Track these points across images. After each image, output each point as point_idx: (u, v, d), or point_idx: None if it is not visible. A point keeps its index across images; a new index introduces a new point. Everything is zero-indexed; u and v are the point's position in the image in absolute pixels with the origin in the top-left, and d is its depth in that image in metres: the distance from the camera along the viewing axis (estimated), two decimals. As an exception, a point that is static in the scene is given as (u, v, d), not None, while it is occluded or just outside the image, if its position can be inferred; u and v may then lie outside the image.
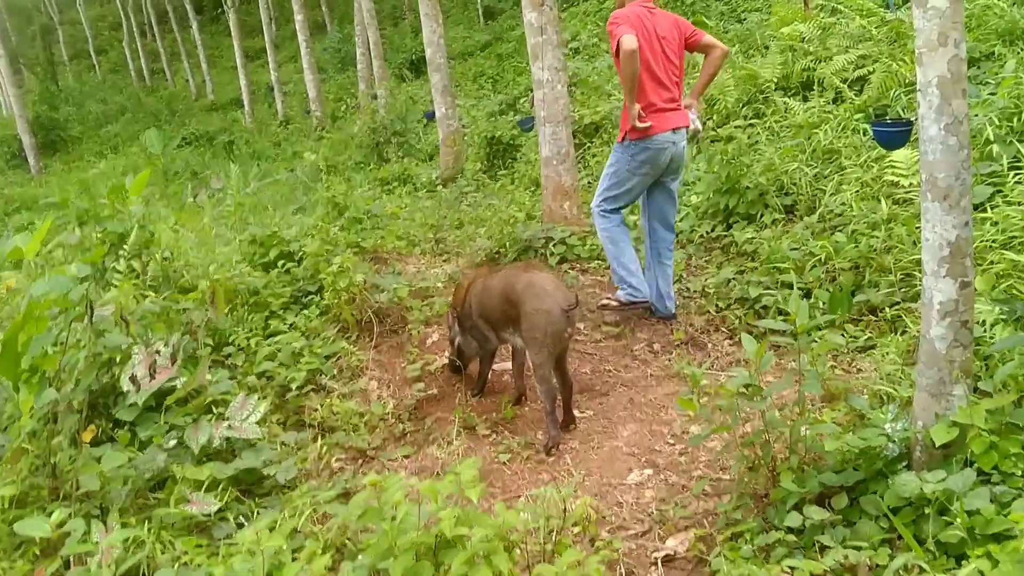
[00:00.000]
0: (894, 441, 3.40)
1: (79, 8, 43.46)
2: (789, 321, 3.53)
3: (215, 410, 4.45)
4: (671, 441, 4.31)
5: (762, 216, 6.35)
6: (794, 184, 6.45)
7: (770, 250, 5.66)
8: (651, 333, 5.54)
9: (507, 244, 6.91)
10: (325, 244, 6.06)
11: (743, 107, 8.34)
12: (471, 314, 4.71)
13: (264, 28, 24.50)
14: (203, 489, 3.81)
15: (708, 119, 8.47)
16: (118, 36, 41.61)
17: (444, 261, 7.08)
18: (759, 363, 3.55)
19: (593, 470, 4.10)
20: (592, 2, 17.98)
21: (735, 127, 7.54)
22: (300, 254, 5.93)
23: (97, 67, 42.52)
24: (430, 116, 12.23)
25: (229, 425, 4.21)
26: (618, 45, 4.85)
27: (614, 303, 5.60)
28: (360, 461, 4.36)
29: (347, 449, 4.41)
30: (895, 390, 3.95)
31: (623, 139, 5.28)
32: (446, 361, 5.12)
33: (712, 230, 6.54)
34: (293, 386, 4.69)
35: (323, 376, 4.95)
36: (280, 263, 6.20)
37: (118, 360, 4.70)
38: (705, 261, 6.28)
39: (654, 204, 5.58)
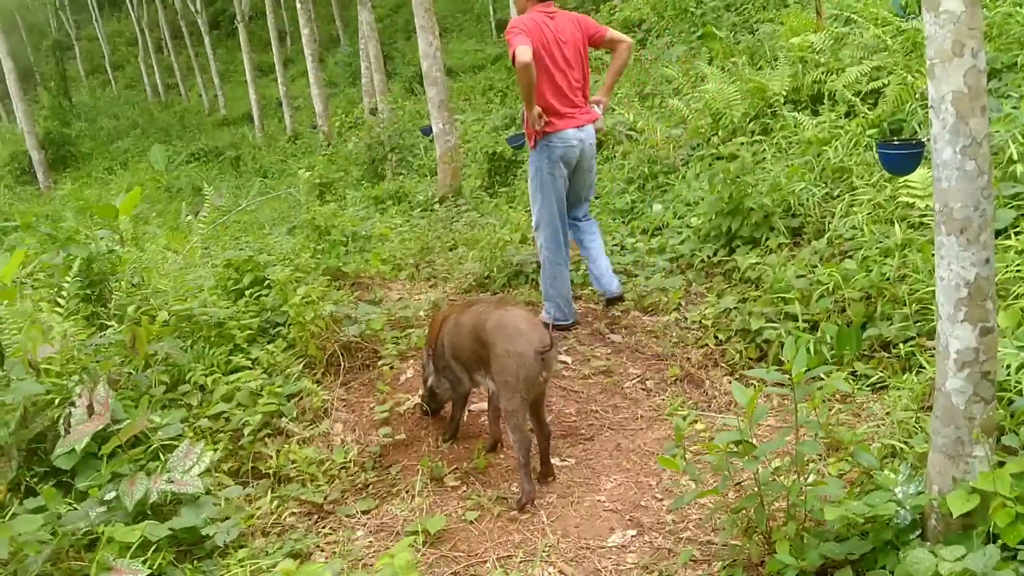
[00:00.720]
0: (905, 508, 2.97)
1: (96, 24, 43.52)
2: (786, 369, 3.09)
3: (163, 456, 4.09)
4: (659, 496, 3.87)
5: (767, 240, 5.91)
6: (801, 205, 6.01)
7: (774, 277, 5.22)
8: (644, 368, 5.11)
9: (496, 269, 6.51)
10: (297, 271, 5.68)
11: (750, 122, 7.90)
12: (443, 353, 4.31)
13: (272, 42, 24.24)
14: (133, 552, 3.43)
15: (713, 134, 8.04)
16: (134, 52, 41.61)
17: (431, 287, 6.68)
18: (751, 416, 3.12)
19: (570, 529, 3.68)
20: (601, 14, 17.59)
21: (740, 143, 7.09)
22: (270, 281, 5.53)
23: (113, 82, 42.52)
24: (427, 132, 11.85)
25: (169, 478, 3.83)
26: (513, 55, 4.78)
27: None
28: (315, 517, 3.95)
29: (302, 503, 4.00)
30: (907, 445, 3.51)
31: (534, 145, 5.29)
32: (418, 401, 4.71)
33: (714, 254, 6.11)
34: (246, 431, 4.28)
35: (283, 418, 4.55)
36: (252, 290, 5.83)
37: (55, 403, 4.34)
38: (705, 288, 5.85)
39: (570, 210, 5.60)
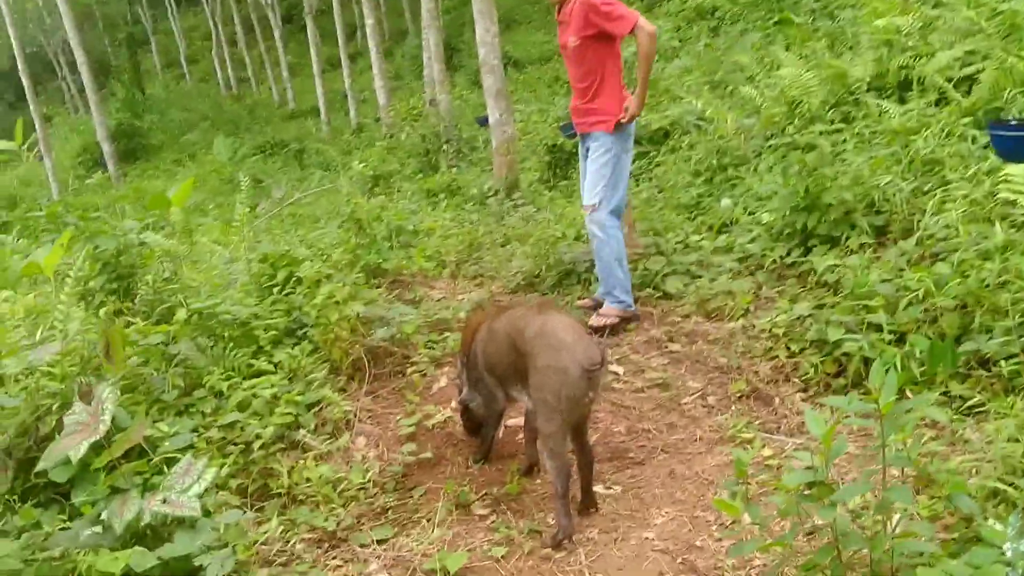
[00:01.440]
0: (1018, 571, 2.42)
1: (172, 19, 44.13)
2: (869, 399, 2.55)
3: (168, 470, 3.70)
4: (717, 535, 3.35)
5: (847, 239, 5.30)
6: (887, 201, 5.38)
7: (855, 282, 4.62)
8: (705, 381, 4.57)
9: (546, 267, 6.02)
10: (328, 267, 5.27)
11: (829, 110, 7.26)
12: (476, 363, 3.84)
13: (338, 35, 24.08)
14: (116, 585, 3.04)
15: (788, 124, 7.42)
16: (208, 46, 42.09)
17: (476, 285, 6.21)
18: (829, 454, 2.58)
19: (612, 573, 3.18)
20: (674, 1, 16.93)
21: (818, 133, 6.47)
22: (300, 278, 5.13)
23: (188, 76, 43.10)
24: (482, 122, 11.39)
25: (165, 498, 3.43)
26: (636, 25, 4.92)
27: (611, 320, 5.22)
28: (326, 545, 3.52)
29: (312, 528, 3.56)
30: (1013, 486, 2.93)
31: (615, 125, 5.18)
32: (448, 414, 4.26)
33: (787, 254, 5.52)
34: (256, 445, 3.86)
35: (301, 430, 4.13)
36: (285, 287, 5.44)
37: (54, 408, 4.00)
38: (777, 292, 5.26)
39: None
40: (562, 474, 3.37)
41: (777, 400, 4.33)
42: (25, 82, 23.94)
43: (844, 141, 6.52)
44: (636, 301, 5.51)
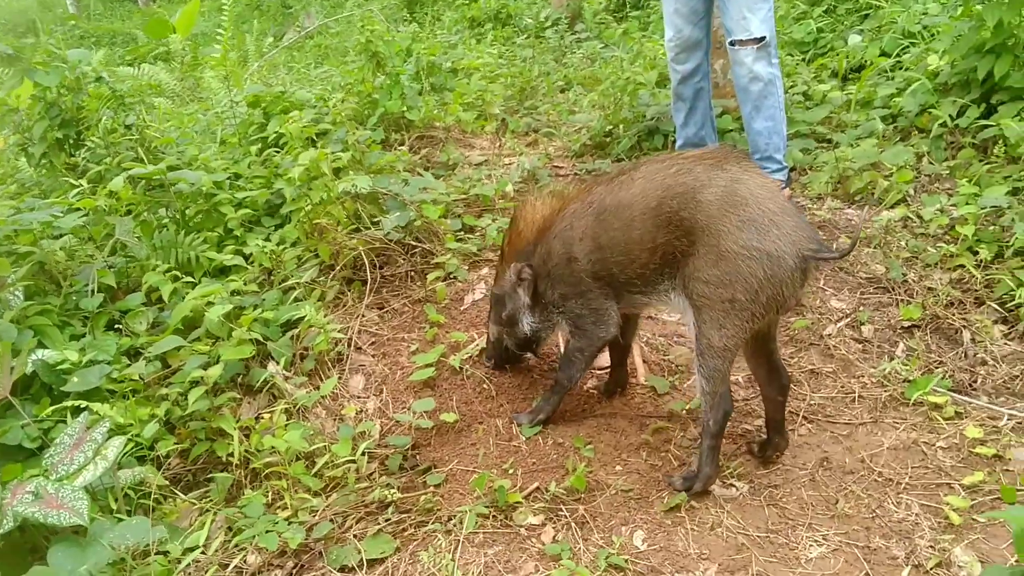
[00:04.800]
0: None
1: None
2: None
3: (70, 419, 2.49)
4: (912, 585, 2.04)
5: (1051, 95, 3.75)
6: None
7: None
8: (855, 301, 3.17)
9: (622, 124, 4.53)
10: (332, 117, 3.87)
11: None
12: (559, 266, 2.49)
13: None
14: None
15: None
16: None
17: (528, 145, 4.75)
18: None
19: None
20: None
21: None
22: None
23: None
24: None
25: (36, 490, 2.19)
26: None
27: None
28: (291, 564, 2.27)
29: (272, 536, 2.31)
30: None
31: None
32: (483, 346, 2.94)
33: (960, 113, 3.96)
34: (193, 395, 2.58)
35: (272, 365, 2.84)
36: (277, 144, 4.10)
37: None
38: (946, 168, 3.76)
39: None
40: (723, 405, 2.31)
41: (967, 336, 2.93)
42: None
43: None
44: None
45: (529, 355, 2.85)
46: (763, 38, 3.53)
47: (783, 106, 3.70)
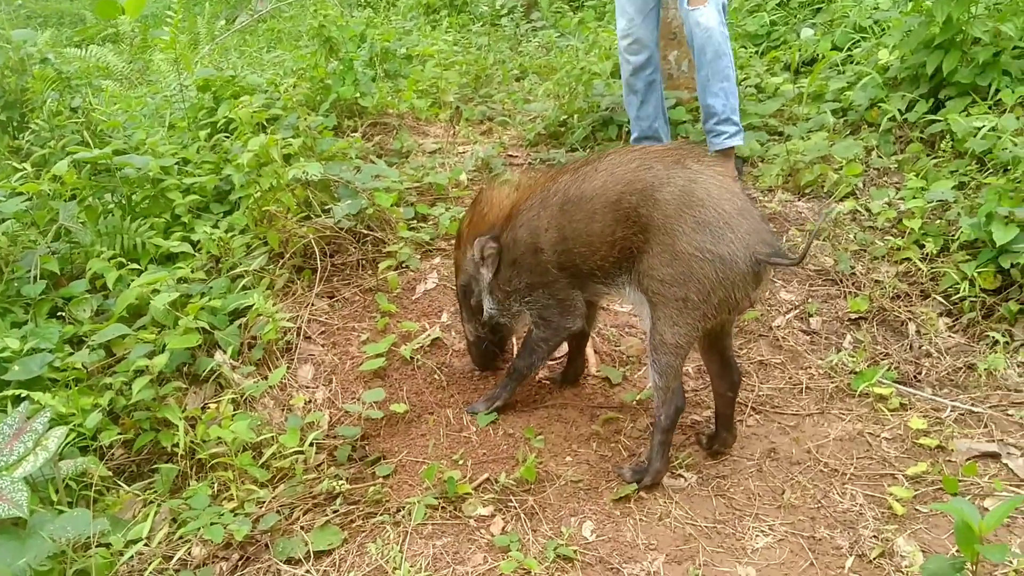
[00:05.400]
0: None
1: None
2: None
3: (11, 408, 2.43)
4: (856, 571, 2.07)
5: (997, 91, 3.81)
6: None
7: (1022, 155, 3.19)
8: (804, 293, 3.21)
9: (576, 113, 4.53)
10: (283, 103, 3.81)
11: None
12: (536, 259, 2.47)
13: None
14: None
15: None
16: None
17: (483, 134, 4.73)
18: None
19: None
20: None
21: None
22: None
23: None
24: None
25: (-28, 482, 2.13)
26: None
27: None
28: (236, 557, 2.24)
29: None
30: None
31: None
32: (438, 335, 2.92)
33: (908, 108, 4.01)
34: (136, 386, 2.53)
35: (219, 354, 2.80)
36: (228, 129, 4.03)
37: None
38: (895, 161, 3.81)
39: None
40: (675, 401, 2.33)
41: (912, 328, 2.98)
42: None
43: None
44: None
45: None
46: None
47: (735, 68, 3.75)
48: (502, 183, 2.65)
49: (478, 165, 4.09)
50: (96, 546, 2.15)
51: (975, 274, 3.02)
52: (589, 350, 2.91)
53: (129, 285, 2.89)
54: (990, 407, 2.62)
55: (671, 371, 2.26)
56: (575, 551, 2.14)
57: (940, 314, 3.03)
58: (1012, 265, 2.96)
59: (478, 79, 5.51)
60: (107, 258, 3.06)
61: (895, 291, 3.12)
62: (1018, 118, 3.58)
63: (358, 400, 2.65)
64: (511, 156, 4.37)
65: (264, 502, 2.36)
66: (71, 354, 2.74)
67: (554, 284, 2.47)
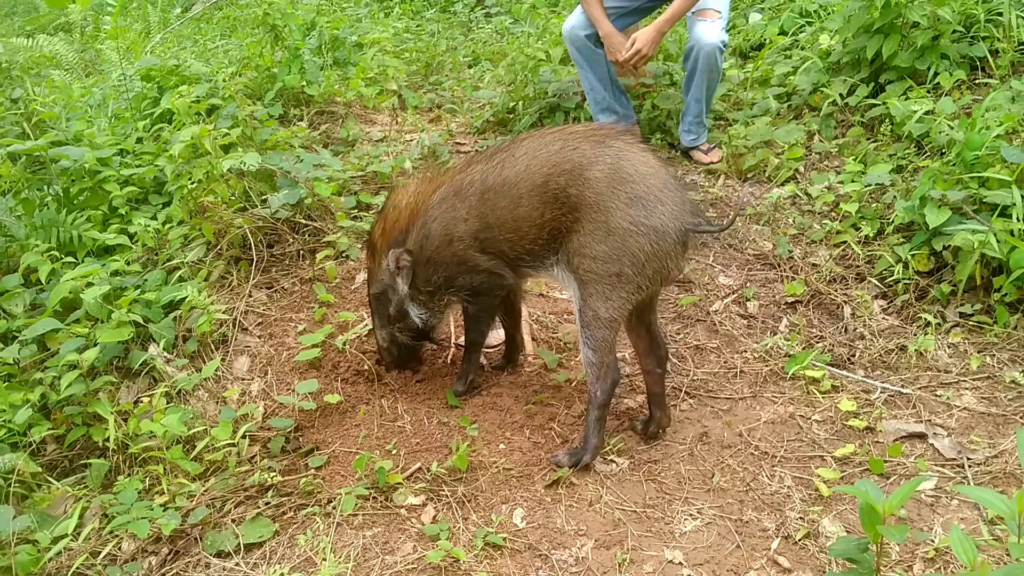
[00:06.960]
0: None
1: None
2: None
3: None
4: (782, 560, 2.09)
5: (936, 75, 3.85)
6: (992, 23, 3.91)
7: (968, 140, 3.21)
8: (742, 277, 3.23)
9: (523, 100, 4.53)
10: (225, 92, 3.77)
11: None
12: (451, 250, 2.47)
13: None
14: None
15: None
16: None
17: (431, 121, 4.71)
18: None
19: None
20: None
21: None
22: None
23: None
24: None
25: None
26: None
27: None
28: (166, 551, 2.23)
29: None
30: None
31: None
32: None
33: (850, 92, 4.05)
34: (65, 380, 2.50)
35: (153, 347, 2.78)
36: (170, 120, 3.98)
37: None
38: (835, 145, 3.84)
39: None
40: (611, 375, 2.35)
41: (848, 311, 3.02)
42: None
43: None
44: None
45: (427, 344, 2.84)
46: (717, 11, 3.68)
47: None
48: (406, 182, 2.67)
49: (424, 153, 4.07)
50: (21, 543, 2.13)
51: (909, 256, 3.06)
52: (527, 336, 2.92)
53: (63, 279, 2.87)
54: (919, 388, 2.66)
55: (605, 345, 2.29)
56: (504, 538, 2.16)
57: (875, 296, 3.07)
58: (944, 247, 3.00)
59: (428, 66, 5.49)
60: (42, 251, 3.02)
61: (831, 274, 3.16)
62: (955, 101, 3.62)
63: (293, 391, 2.64)
64: (458, 144, 4.36)
65: (195, 495, 2.34)
66: (2, 349, 2.70)
67: (476, 264, 2.48)
